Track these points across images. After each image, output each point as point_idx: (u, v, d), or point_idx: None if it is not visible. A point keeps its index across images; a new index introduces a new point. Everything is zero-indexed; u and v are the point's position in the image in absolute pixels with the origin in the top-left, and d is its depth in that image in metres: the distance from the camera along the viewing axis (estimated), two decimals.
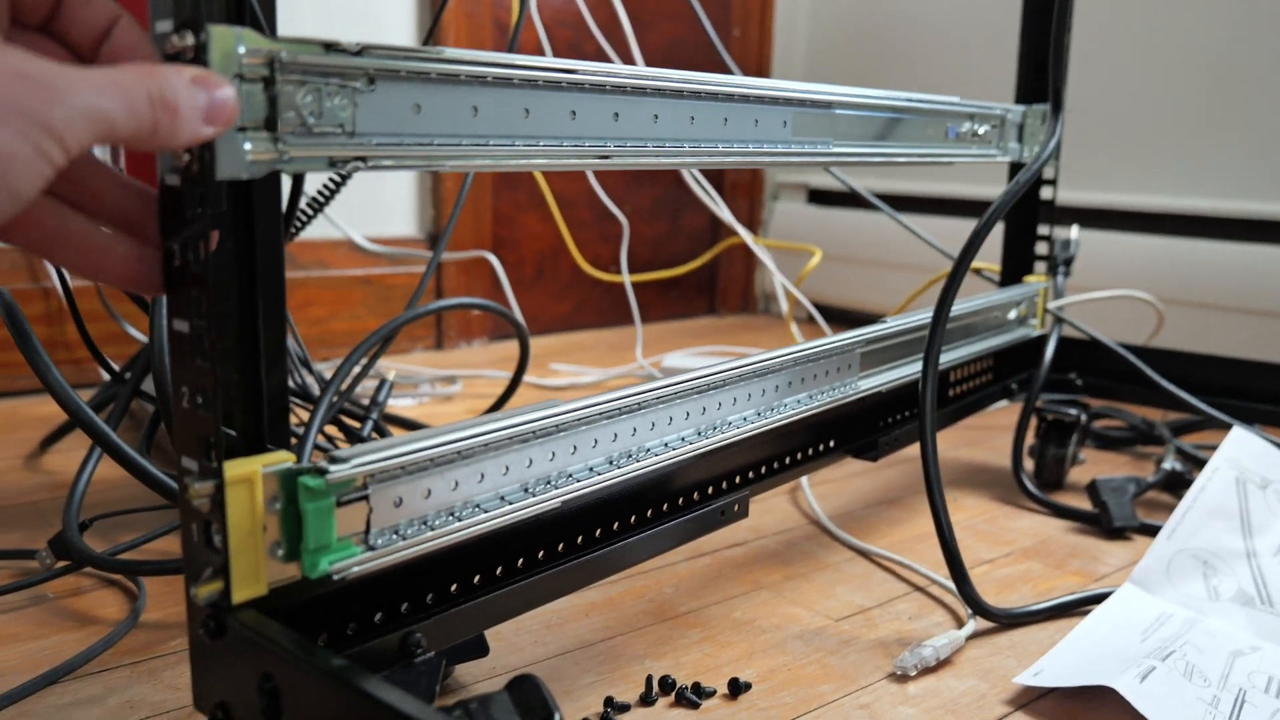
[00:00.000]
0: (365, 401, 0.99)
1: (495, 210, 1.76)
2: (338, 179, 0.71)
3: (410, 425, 1.13)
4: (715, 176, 1.93)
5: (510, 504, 0.49)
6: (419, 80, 0.44)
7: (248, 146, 0.38)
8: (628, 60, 1.41)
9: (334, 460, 0.42)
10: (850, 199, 2.04)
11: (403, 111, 0.43)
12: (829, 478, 1.06)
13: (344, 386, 0.87)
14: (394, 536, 0.45)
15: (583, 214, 1.86)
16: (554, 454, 0.52)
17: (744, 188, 2.15)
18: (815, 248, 1.61)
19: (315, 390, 0.93)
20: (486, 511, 0.48)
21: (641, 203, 1.95)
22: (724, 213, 1.42)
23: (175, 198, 0.38)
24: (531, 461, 0.51)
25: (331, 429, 0.93)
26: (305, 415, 0.92)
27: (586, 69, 0.51)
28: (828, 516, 0.93)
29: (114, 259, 0.40)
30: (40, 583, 0.73)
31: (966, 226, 1.85)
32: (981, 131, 0.92)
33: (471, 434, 0.47)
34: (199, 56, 0.37)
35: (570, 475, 0.53)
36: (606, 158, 0.53)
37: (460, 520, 0.47)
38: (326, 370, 1.41)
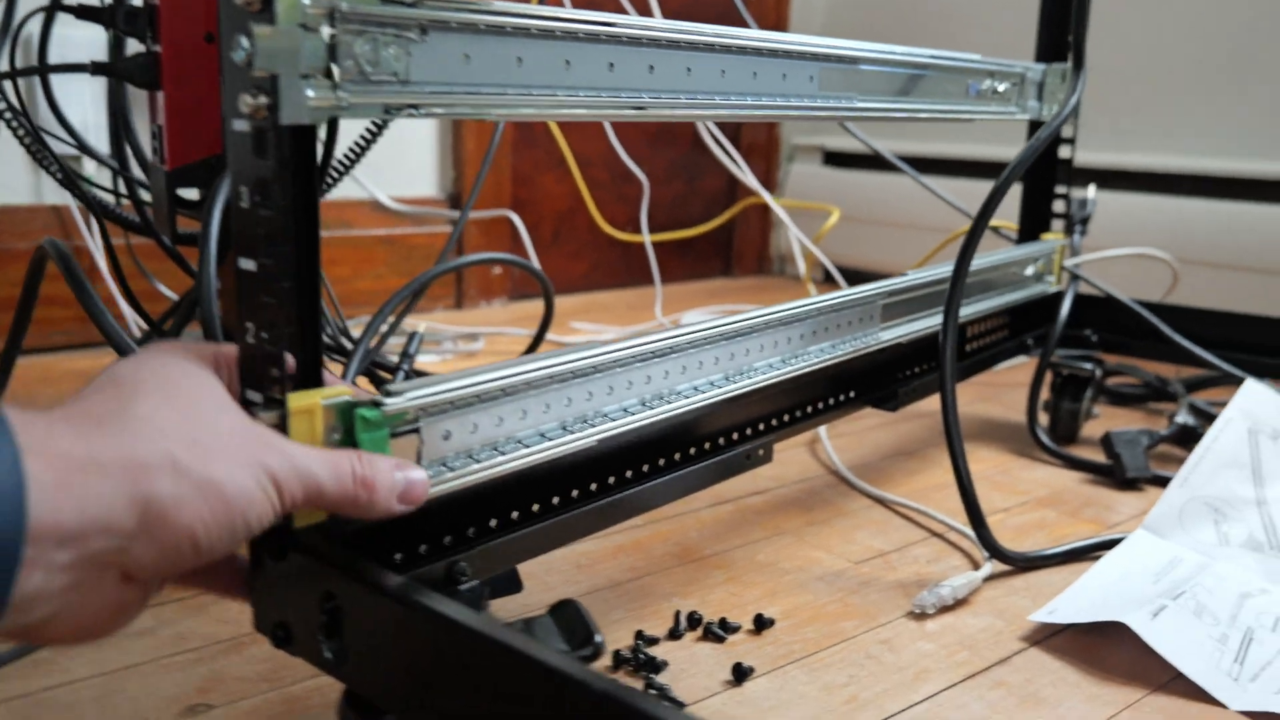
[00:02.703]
0: (392, 357, 1.01)
1: (515, 170, 1.78)
2: (370, 135, 0.73)
3: None
4: (732, 138, 1.94)
5: (550, 440, 0.52)
6: (468, 31, 0.45)
7: (310, 93, 0.40)
8: (646, 15, 1.42)
9: (388, 394, 0.44)
10: (865, 160, 2.04)
11: (453, 61, 0.45)
12: (846, 430, 1.08)
13: (375, 341, 0.89)
14: (442, 468, 0.47)
15: (600, 174, 1.87)
16: (591, 394, 0.54)
17: (760, 149, 2.16)
18: (833, 207, 1.62)
19: (348, 345, 0.96)
20: (528, 447, 0.51)
21: (658, 165, 1.96)
22: (746, 175, 1.44)
23: (243, 142, 0.40)
24: (570, 400, 0.53)
25: (363, 382, 0.96)
26: (338, 369, 0.95)
27: (624, 22, 0.52)
28: (846, 467, 0.95)
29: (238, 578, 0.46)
30: None
31: (980, 187, 1.85)
32: (1002, 89, 0.93)
33: (516, 372, 0.49)
34: (267, 8, 0.38)
35: (605, 415, 0.55)
36: (642, 108, 0.55)
37: (503, 455, 0.50)
38: (353, 327, 1.44)
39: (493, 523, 0.54)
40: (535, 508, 0.56)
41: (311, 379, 0.43)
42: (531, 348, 1.09)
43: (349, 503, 0.41)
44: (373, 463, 0.42)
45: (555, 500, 0.57)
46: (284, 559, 0.43)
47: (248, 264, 0.41)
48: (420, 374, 1.16)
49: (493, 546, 0.53)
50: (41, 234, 1.32)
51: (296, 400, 0.41)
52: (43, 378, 1.19)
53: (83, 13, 0.82)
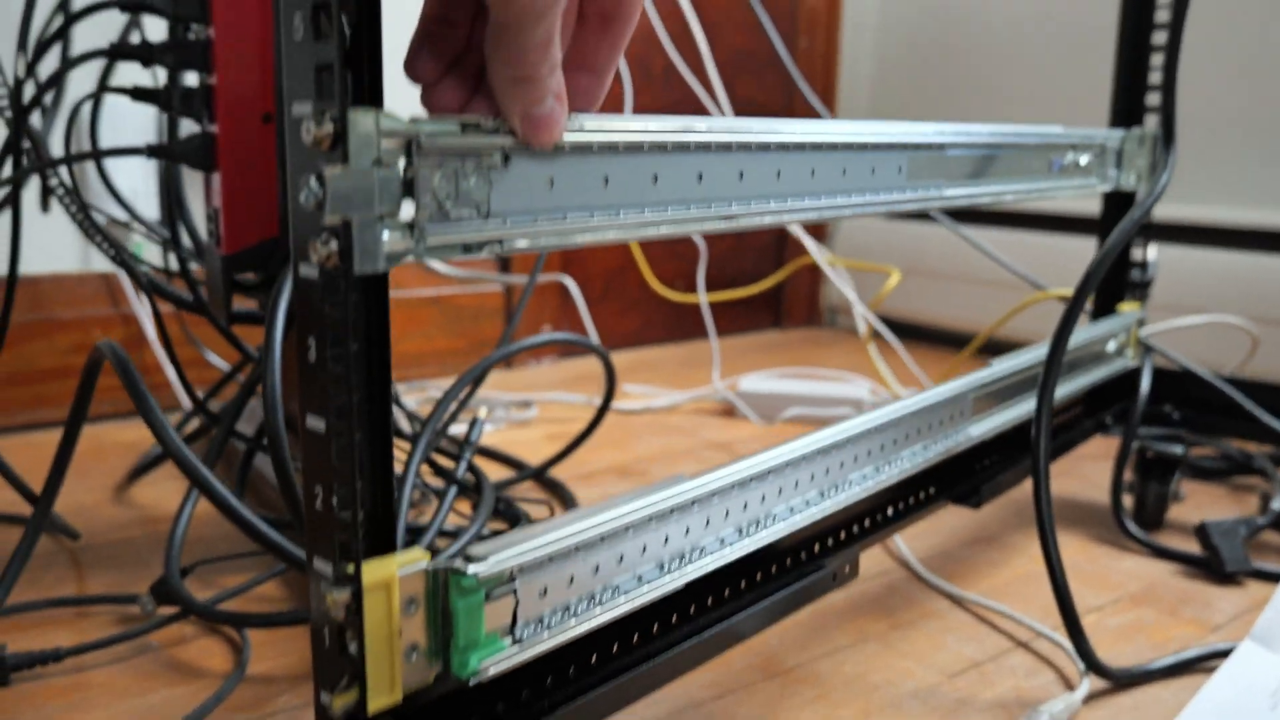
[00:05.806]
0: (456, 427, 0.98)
1: None
2: None
3: (499, 457, 1.12)
4: None
5: (647, 583, 0.48)
6: (553, 153, 0.42)
7: (385, 237, 0.36)
8: (699, 74, 1.39)
9: (470, 558, 0.40)
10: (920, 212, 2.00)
11: (537, 187, 0.42)
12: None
13: (439, 426, 0.85)
14: (538, 627, 0.43)
15: None
16: (688, 528, 0.50)
17: None
18: (892, 268, 1.58)
19: (403, 425, 0.92)
20: (625, 593, 0.47)
21: None
22: (802, 236, 1.40)
23: (312, 291, 0.37)
24: (668, 538, 0.49)
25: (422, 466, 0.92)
26: (398, 454, 0.91)
27: (713, 127, 0.49)
28: (922, 558, 0.90)
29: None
30: (145, 632, 0.72)
31: (1037, 240, 1.78)
32: (1084, 162, 0.89)
33: (614, 515, 0.45)
34: (339, 144, 0.35)
35: (702, 549, 0.51)
36: (732, 219, 0.51)
37: (601, 604, 0.46)
38: (404, 392, 1.41)
39: (572, 670, 0.49)
40: (615, 649, 0.51)
41: (383, 543, 0.39)
42: (592, 425, 1.05)
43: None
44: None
45: (635, 639, 0.52)
46: None
47: (315, 423, 0.37)
48: (481, 451, 1.13)
49: (578, 704, 0.48)
50: (90, 302, 1.30)
51: (372, 573, 0.38)
52: (93, 450, 1.17)
53: (138, 95, 0.80)
